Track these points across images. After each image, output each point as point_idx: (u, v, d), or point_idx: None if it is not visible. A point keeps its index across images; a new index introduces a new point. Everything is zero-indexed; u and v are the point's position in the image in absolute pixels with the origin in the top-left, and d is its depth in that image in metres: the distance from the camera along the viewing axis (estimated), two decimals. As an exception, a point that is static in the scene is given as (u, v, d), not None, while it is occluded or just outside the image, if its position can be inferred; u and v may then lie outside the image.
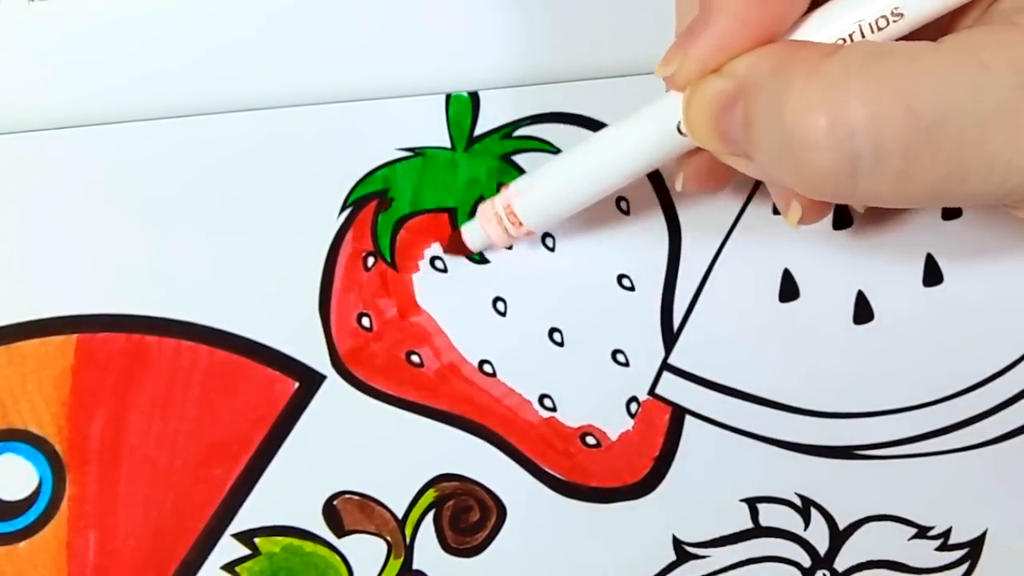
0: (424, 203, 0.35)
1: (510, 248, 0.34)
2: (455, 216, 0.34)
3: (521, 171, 0.35)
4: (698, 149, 0.29)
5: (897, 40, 0.26)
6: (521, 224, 0.31)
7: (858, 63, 0.24)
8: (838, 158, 0.24)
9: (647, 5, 0.35)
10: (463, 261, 0.34)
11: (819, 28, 0.26)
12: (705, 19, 0.26)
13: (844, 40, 0.26)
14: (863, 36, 0.26)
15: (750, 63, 0.26)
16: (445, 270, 0.34)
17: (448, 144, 0.35)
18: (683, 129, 0.28)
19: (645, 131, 0.29)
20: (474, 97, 0.35)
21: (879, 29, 0.26)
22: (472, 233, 0.33)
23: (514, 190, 0.31)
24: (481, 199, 0.34)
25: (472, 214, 0.33)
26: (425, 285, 0.34)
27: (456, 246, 0.33)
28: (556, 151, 0.35)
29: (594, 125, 0.35)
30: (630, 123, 0.29)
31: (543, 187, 0.31)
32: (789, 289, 0.34)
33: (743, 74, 0.26)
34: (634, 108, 0.29)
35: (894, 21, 0.26)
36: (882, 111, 0.24)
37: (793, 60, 0.25)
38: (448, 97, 0.35)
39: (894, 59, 0.24)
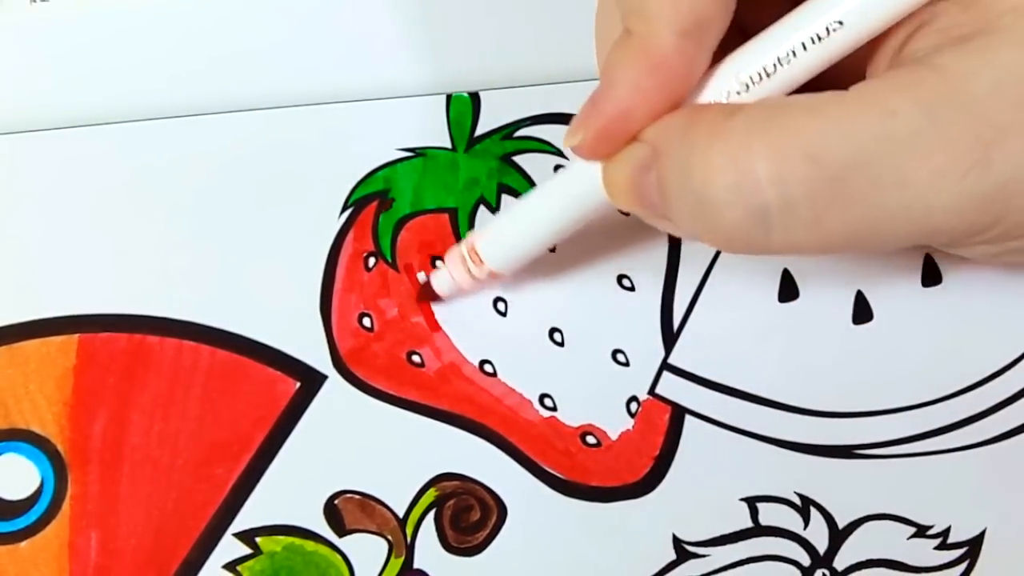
0: (425, 203, 0.35)
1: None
2: (456, 216, 0.34)
3: (522, 171, 0.35)
4: None
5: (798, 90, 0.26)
6: (483, 263, 0.31)
7: (760, 119, 0.25)
8: (747, 213, 0.24)
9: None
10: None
11: (723, 81, 0.27)
12: (604, 90, 0.27)
13: (749, 84, 0.26)
14: (763, 79, 0.26)
15: (659, 129, 0.26)
16: (446, 270, 0.34)
17: (449, 144, 0.35)
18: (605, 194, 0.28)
19: (595, 171, 0.29)
20: (475, 97, 0.35)
21: (768, 76, 0.26)
22: (439, 278, 0.33)
23: (478, 231, 0.32)
24: (484, 200, 0.34)
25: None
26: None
27: (426, 293, 0.33)
28: (556, 151, 0.35)
29: (594, 125, 0.35)
30: (580, 166, 0.29)
31: (504, 226, 0.32)
32: (789, 289, 0.34)
33: (653, 140, 0.26)
34: None
35: (787, 64, 0.26)
36: (785, 163, 0.24)
37: (698, 123, 0.25)
38: (449, 97, 0.36)
39: (796, 111, 0.24)
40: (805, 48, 0.26)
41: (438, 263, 0.33)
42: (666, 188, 0.26)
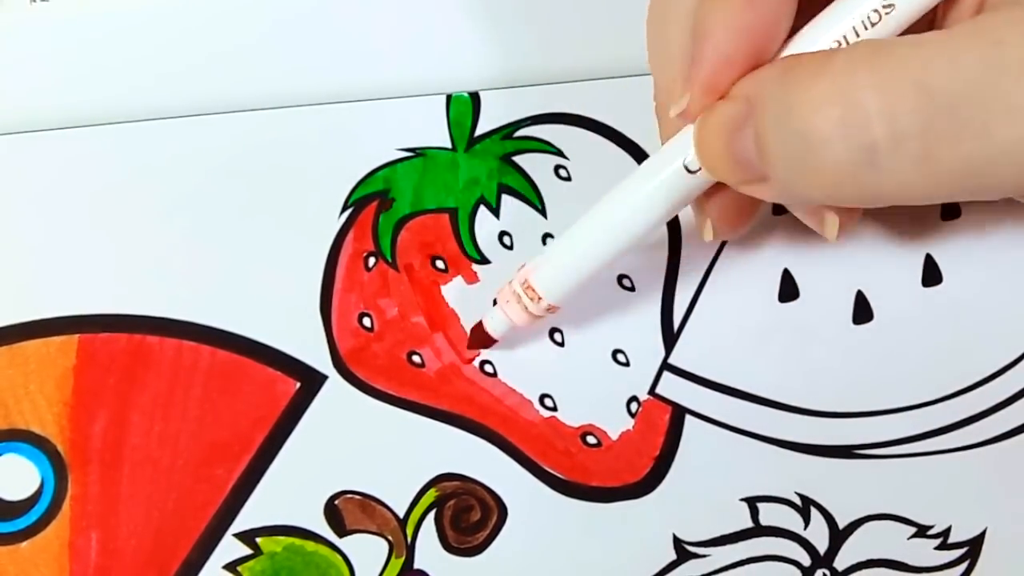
0: (425, 203, 0.35)
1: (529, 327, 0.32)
2: (456, 216, 0.34)
3: (522, 171, 0.35)
4: (715, 190, 0.29)
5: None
6: (540, 298, 0.30)
7: (864, 55, 0.24)
8: (855, 150, 0.24)
9: (646, 5, 0.35)
10: (464, 261, 0.34)
11: (814, 37, 0.26)
12: (700, 43, 0.26)
13: (840, 42, 0.26)
14: (858, 36, 0.26)
15: (754, 80, 0.26)
16: (446, 270, 0.34)
17: (449, 144, 0.35)
18: (691, 165, 0.27)
19: (650, 182, 0.28)
20: (475, 97, 0.35)
21: (872, 25, 0.26)
22: (494, 320, 0.32)
23: (530, 266, 0.31)
24: (484, 200, 0.34)
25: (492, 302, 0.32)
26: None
27: (479, 338, 0.33)
28: (556, 151, 0.35)
29: (594, 125, 0.35)
30: (634, 178, 0.29)
31: (558, 257, 0.30)
32: (789, 289, 0.34)
33: (748, 93, 0.26)
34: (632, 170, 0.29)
35: (886, 14, 0.25)
36: (895, 94, 0.23)
37: (796, 67, 0.25)
38: (449, 97, 0.36)
39: (901, 47, 0.24)
40: (894, 6, 0.25)
41: (492, 306, 0.32)
42: (764, 138, 0.25)
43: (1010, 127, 0.23)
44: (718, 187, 0.29)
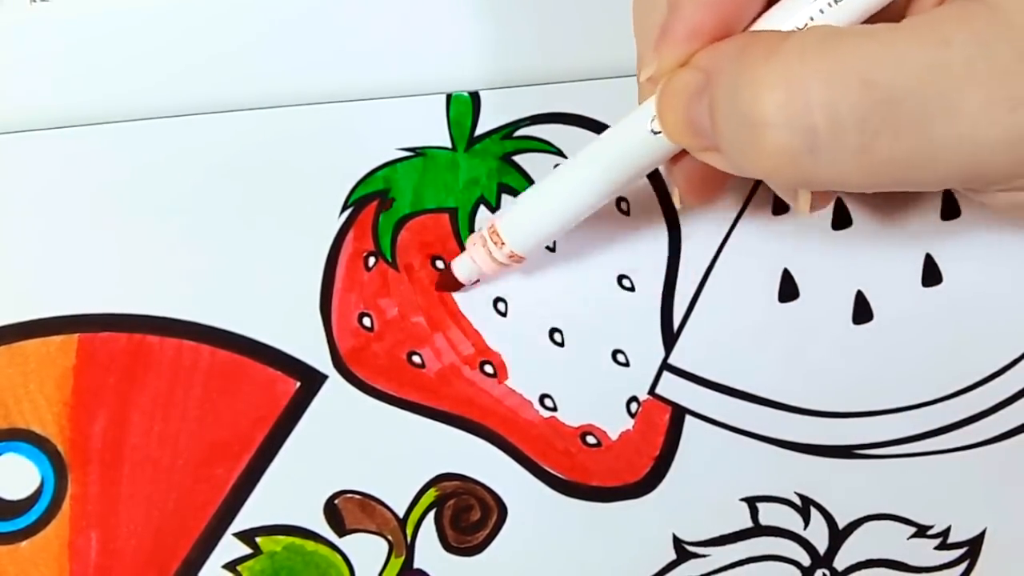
0: (425, 203, 0.35)
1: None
2: (456, 216, 0.34)
3: (522, 171, 0.35)
4: (680, 157, 0.29)
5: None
6: (504, 244, 0.31)
7: (815, 42, 0.24)
8: (794, 134, 0.24)
9: None
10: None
11: (781, 17, 0.27)
12: (673, 13, 0.27)
13: (806, 24, 0.26)
14: (822, 13, 0.26)
15: (713, 52, 0.26)
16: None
17: (449, 144, 0.35)
18: (655, 128, 0.28)
19: (618, 142, 0.29)
20: (475, 97, 0.35)
21: (836, 2, 0.26)
22: (460, 263, 0.33)
23: (498, 213, 0.32)
24: (484, 200, 0.34)
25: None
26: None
27: (447, 281, 0.33)
28: (556, 151, 0.35)
29: (594, 125, 0.35)
30: (603, 138, 0.30)
31: (525, 206, 0.31)
32: (789, 289, 0.34)
33: (707, 63, 0.26)
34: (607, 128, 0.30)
35: None
36: (838, 85, 0.24)
37: (752, 45, 0.25)
38: (449, 97, 0.35)
39: (851, 37, 0.24)
40: None
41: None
42: (716, 110, 0.26)
43: (949, 126, 0.24)
44: (684, 154, 0.29)
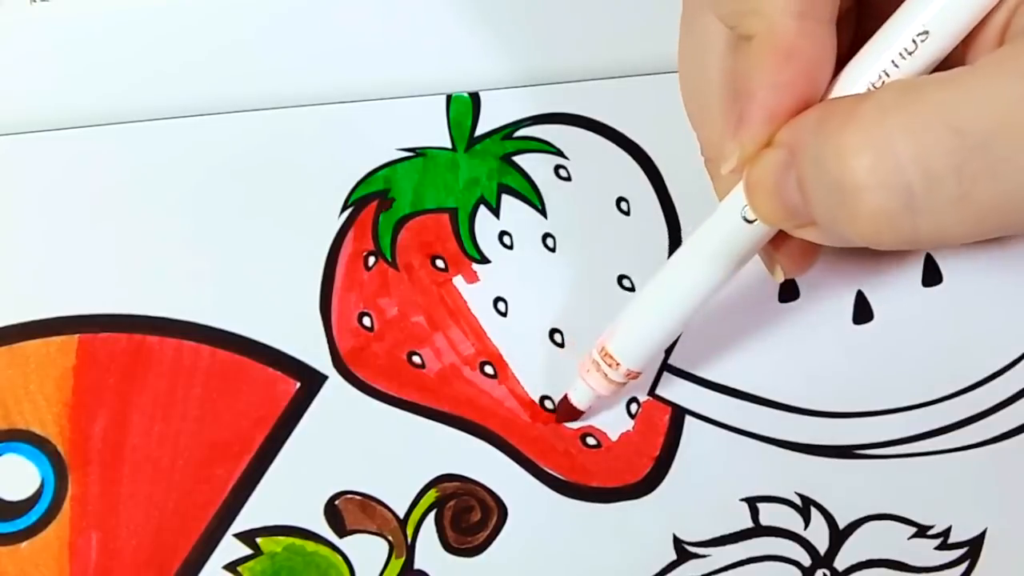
0: (425, 203, 0.35)
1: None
2: (456, 216, 0.34)
3: (522, 171, 0.35)
4: (779, 238, 0.29)
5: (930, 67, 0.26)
6: (619, 364, 0.31)
7: (892, 97, 0.24)
8: (889, 194, 0.23)
9: (647, 5, 0.35)
10: (464, 261, 0.34)
11: (854, 78, 0.26)
12: (746, 102, 0.26)
13: (882, 80, 0.26)
14: (897, 67, 0.26)
15: (793, 128, 0.26)
16: (446, 270, 0.34)
17: (449, 144, 0.35)
18: (748, 216, 0.28)
19: (714, 238, 0.29)
20: (475, 97, 0.35)
21: (909, 55, 0.25)
22: (578, 393, 0.32)
23: (606, 334, 0.31)
24: (484, 200, 0.34)
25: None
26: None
27: (566, 411, 0.32)
28: (556, 151, 0.35)
29: (594, 125, 0.35)
30: (698, 236, 0.29)
31: (632, 322, 0.31)
32: (789, 289, 0.34)
33: (788, 139, 0.26)
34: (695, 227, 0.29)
35: (921, 42, 0.25)
36: (926, 138, 0.23)
37: (831, 112, 0.25)
38: (449, 97, 0.36)
39: (930, 87, 0.24)
40: (928, 33, 0.25)
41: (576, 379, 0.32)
42: (805, 184, 0.25)
43: None
44: (781, 232, 0.28)
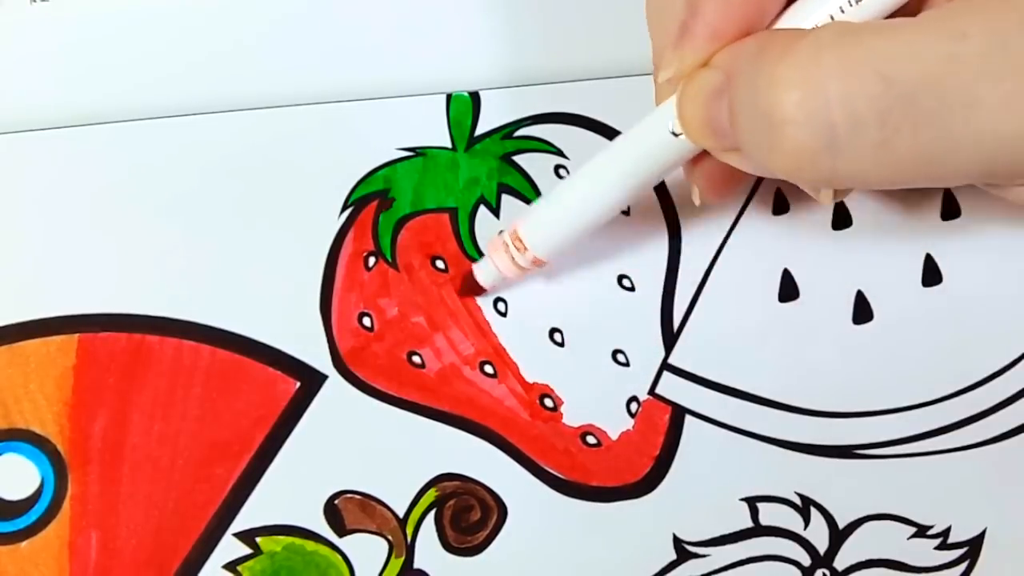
0: (425, 203, 0.35)
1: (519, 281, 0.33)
2: (456, 216, 0.34)
3: (522, 171, 0.35)
4: (700, 157, 0.29)
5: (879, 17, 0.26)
6: (527, 250, 0.31)
7: (831, 38, 0.24)
8: (813, 131, 0.24)
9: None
10: (465, 260, 0.34)
11: (805, 13, 0.27)
12: (692, 16, 0.27)
13: (829, 19, 0.26)
14: (843, 12, 0.26)
15: (732, 51, 0.26)
16: (446, 270, 0.34)
17: (449, 144, 0.35)
18: (676, 130, 0.28)
19: (639, 144, 0.29)
20: (475, 97, 0.35)
21: (856, 2, 0.26)
22: (482, 269, 0.33)
23: (520, 218, 0.32)
24: (484, 200, 0.34)
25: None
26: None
27: (469, 286, 0.33)
28: (556, 151, 0.35)
29: (594, 125, 0.35)
30: (623, 139, 0.30)
31: (546, 210, 0.31)
32: (789, 289, 0.34)
33: (726, 63, 0.26)
34: (625, 128, 0.30)
35: None
36: (855, 81, 0.24)
37: (770, 43, 0.25)
38: (449, 97, 0.35)
39: (868, 33, 0.24)
40: None
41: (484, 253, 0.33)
42: (735, 110, 0.26)
43: (968, 121, 0.24)
44: (704, 154, 0.29)
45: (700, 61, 0.27)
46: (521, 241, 0.31)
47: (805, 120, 0.24)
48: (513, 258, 0.32)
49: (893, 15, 0.26)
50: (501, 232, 0.32)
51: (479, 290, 0.33)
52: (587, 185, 0.30)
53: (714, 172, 0.30)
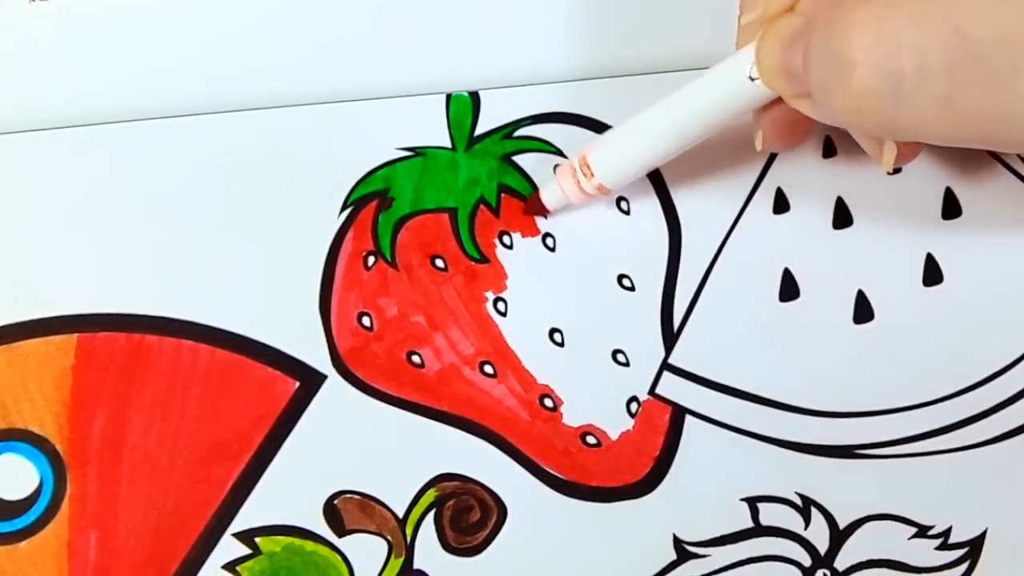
0: (425, 203, 0.35)
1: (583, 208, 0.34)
2: (455, 216, 0.34)
3: (521, 171, 0.35)
4: (772, 103, 0.29)
5: None
6: (593, 175, 0.32)
7: None
8: (880, 76, 0.24)
9: (647, 5, 0.35)
10: (464, 260, 0.34)
11: None
12: None
13: None
14: None
15: None
16: (446, 270, 0.34)
17: (449, 144, 0.35)
18: (752, 74, 0.28)
19: (716, 86, 0.29)
20: (474, 97, 0.35)
21: None
22: (549, 191, 0.33)
23: (591, 144, 0.32)
24: (483, 199, 0.34)
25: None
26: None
27: (535, 205, 0.34)
28: (556, 151, 0.35)
29: (594, 125, 0.35)
30: (702, 79, 0.30)
31: (617, 140, 0.32)
32: (789, 289, 0.34)
33: (808, 7, 0.26)
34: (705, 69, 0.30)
35: None
36: (929, 31, 0.23)
37: None
38: (449, 97, 0.35)
39: None
40: None
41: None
42: (810, 53, 0.26)
43: None
44: (776, 101, 0.29)
45: (786, 6, 0.27)
46: (589, 168, 0.32)
47: (873, 64, 0.24)
48: (579, 183, 0.32)
49: None
50: (571, 157, 0.33)
51: (543, 211, 0.34)
52: (660, 122, 0.31)
53: (781, 119, 0.30)
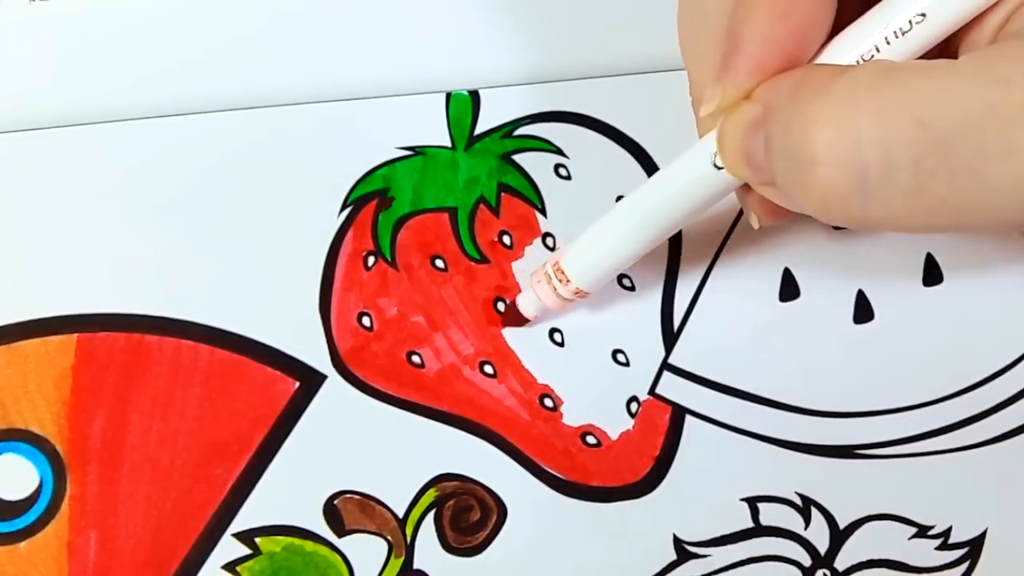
0: (425, 202, 0.35)
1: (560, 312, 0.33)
2: (455, 215, 0.34)
3: (521, 170, 0.35)
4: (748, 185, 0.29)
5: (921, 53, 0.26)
6: (569, 281, 0.31)
7: (868, 79, 0.24)
8: (845, 173, 0.23)
9: (646, 4, 0.35)
10: (464, 260, 0.34)
11: (845, 48, 0.26)
12: (734, 50, 0.26)
13: (872, 55, 0.26)
14: (888, 44, 0.25)
15: (772, 85, 0.26)
16: (446, 270, 0.34)
17: (448, 143, 0.35)
18: (718, 162, 0.28)
19: (682, 176, 0.29)
20: (474, 96, 0.35)
21: (903, 34, 0.25)
22: (526, 300, 0.33)
23: (562, 249, 0.32)
24: (483, 199, 0.34)
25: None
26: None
27: (512, 317, 0.33)
28: (556, 150, 0.35)
29: (594, 124, 0.35)
30: (667, 171, 0.29)
31: (589, 243, 0.31)
32: (789, 289, 0.34)
33: (765, 96, 0.26)
34: (669, 161, 0.29)
35: (917, 24, 0.25)
36: (890, 125, 0.23)
37: (807, 80, 0.25)
38: (448, 96, 0.35)
39: (905, 74, 0.24)
40: (924, 16, 0.25)
41: (524, 286, 0.33)
42: (770, 145, 0.25)
43: (1005, 170, 0.23)
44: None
45: (742, 95, 0.26)
46: (563, 272, 0.31)
47: (836, 161, 0.23)
48: (556, 289, 0.31)
49: (934, 51, 0.26)
50: (544, 264, 0.32)
51: (522, 321, 0.33)
52: (630, 218, 0.30)
53: (766, 200, 0.29)
